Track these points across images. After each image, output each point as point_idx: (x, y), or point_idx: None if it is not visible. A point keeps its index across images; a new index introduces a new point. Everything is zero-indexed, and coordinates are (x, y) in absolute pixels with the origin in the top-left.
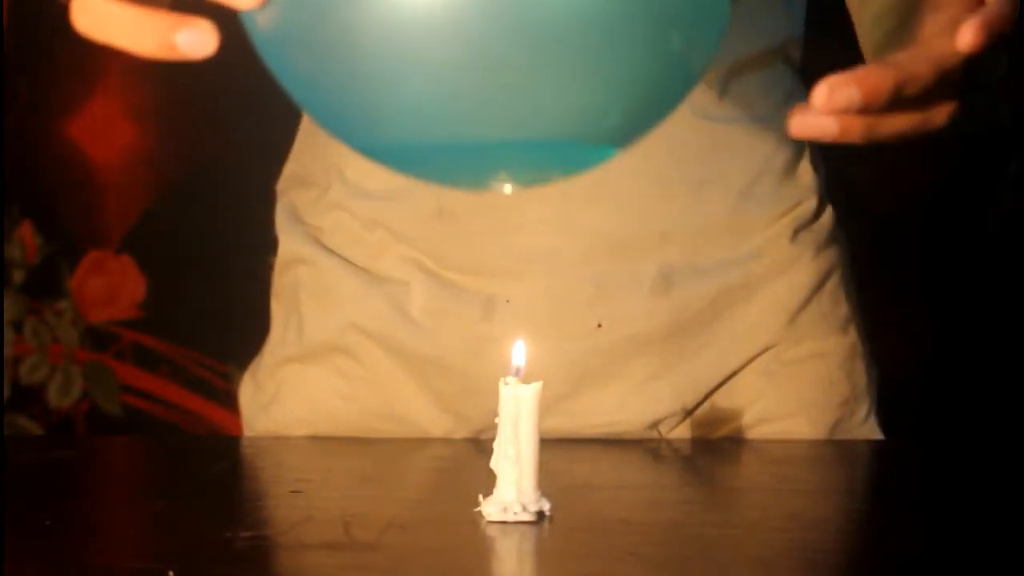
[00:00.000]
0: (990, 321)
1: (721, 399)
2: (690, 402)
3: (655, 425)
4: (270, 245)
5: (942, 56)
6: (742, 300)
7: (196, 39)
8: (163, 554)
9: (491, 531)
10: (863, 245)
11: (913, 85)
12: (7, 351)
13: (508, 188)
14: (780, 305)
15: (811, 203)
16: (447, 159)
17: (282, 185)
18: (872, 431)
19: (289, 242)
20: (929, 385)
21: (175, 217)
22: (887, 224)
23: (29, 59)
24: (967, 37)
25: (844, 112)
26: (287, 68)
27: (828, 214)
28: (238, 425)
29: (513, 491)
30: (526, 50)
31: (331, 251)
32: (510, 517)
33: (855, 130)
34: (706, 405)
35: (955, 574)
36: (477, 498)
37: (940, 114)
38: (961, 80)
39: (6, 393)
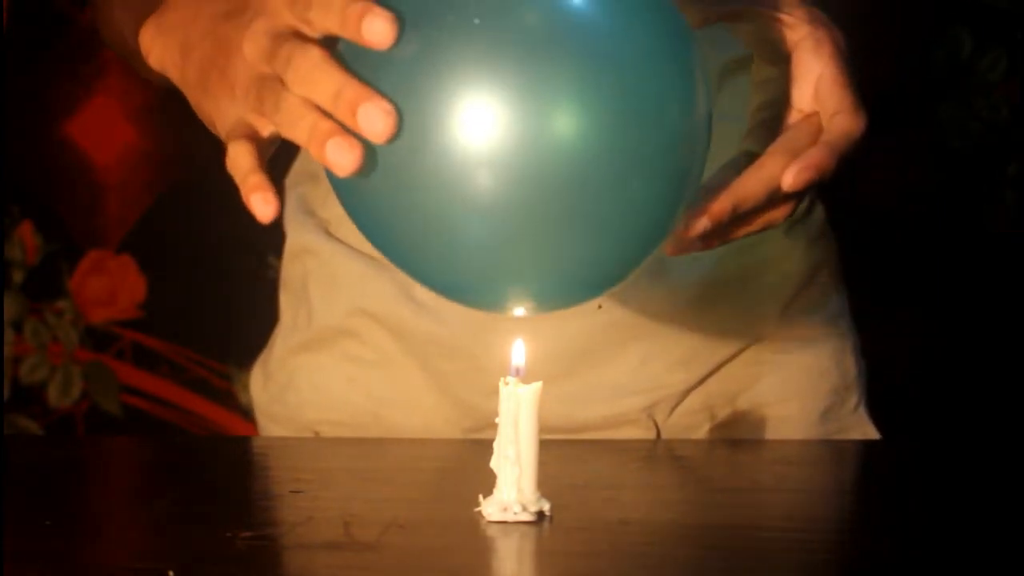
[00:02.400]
0: (988, 321)
1: (715, 385)
2: (685, 385)
3: (650, 409)
4: (270, 244)
5: (771, 179)
6: (737, 288)
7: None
8: (163, 554)
9: (491, 531)
10: (862, 244)
11: (747, 204)
12: (7, 351)
13: (520, 311)
14: (773, 294)
15: (803, 200)
16: (485, 293)
17: (291, 179)
18: (862, 421)
19: (298, 233)
20: (927, 385)
21: (175, 217)
22: (887, 224)
23: (29, 59)
24: (788, 179)
25: (702, 236)
26: (358, 205)
27: (819, 211)
28: (238, 425)
29: (513, 491)
30: (567, 214)
31: (338, 240)
32: (510, 517)
33: (714, 242)
34: (700, 391)
35: (954, 573)
36: (477, 498)
37: (778, 216)
38: (792, 194)
39: (6, 393)
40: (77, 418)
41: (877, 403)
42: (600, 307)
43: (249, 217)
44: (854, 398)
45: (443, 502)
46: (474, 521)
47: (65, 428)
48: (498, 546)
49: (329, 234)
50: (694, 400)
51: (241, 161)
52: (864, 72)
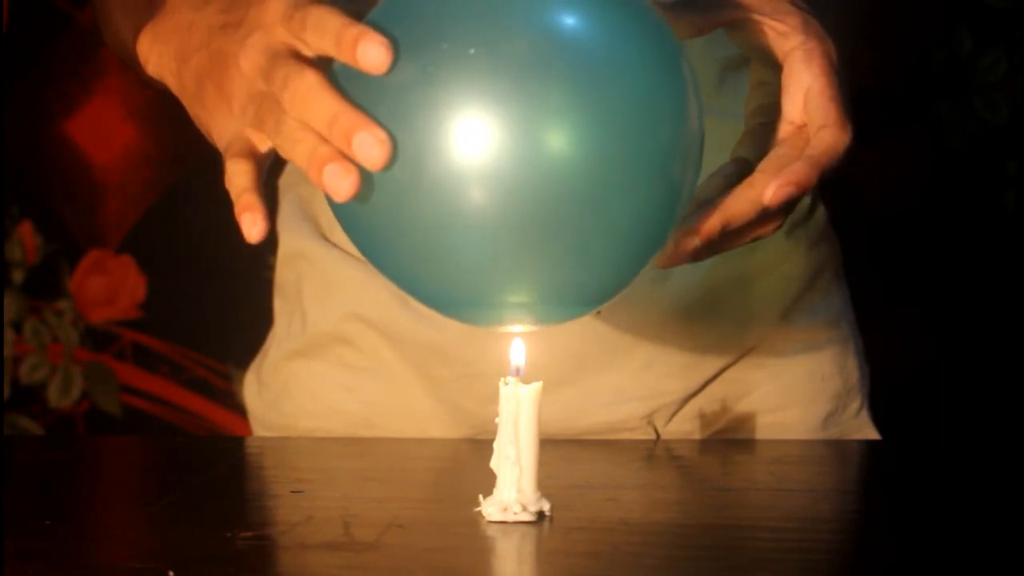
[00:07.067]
0: (988, 321)
1: (716, 391)
2: (686, 392)
3: (651, 416)
4: (269, 244)
5: (758, 200)
6: (738, 291)
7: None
8: (163, 554)
9: (491, 531)
10: (861, 244)
11: (737, 221)
12: (7, 351)
13: (517, 327)
14: (774, 297)
15: (804, 201)
16: (482, 309)
17: (286, 180)
18: (864, 425)
19: (291, 238)
20: (927, 385)
21: (175, 217)
22: (886, 224)
23: (29, 59)
24: (768, 194)
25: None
26: (355, 225)
27: (820, 212)
28: (238, 425)
29: (513, 491)
30: (553, 234)
31: (333, 245)
32: (510, 517)
33: (704, 256)
34: (701, 397)
35: (954, 573)
36: (477, 498)
37: (767, 230)
38: (780, 209)
39: (6, 393)
40: (77, 418)
41: (876, 404)
42: (599, 313)
43: None
44: (856, 402)
45: (443, 502)
46: (474, 521)
47: (65, 428)
48: (498, 546)
49: (323, 238)
50: (694, 407)
51: (238, 180)
52: (864, 72)
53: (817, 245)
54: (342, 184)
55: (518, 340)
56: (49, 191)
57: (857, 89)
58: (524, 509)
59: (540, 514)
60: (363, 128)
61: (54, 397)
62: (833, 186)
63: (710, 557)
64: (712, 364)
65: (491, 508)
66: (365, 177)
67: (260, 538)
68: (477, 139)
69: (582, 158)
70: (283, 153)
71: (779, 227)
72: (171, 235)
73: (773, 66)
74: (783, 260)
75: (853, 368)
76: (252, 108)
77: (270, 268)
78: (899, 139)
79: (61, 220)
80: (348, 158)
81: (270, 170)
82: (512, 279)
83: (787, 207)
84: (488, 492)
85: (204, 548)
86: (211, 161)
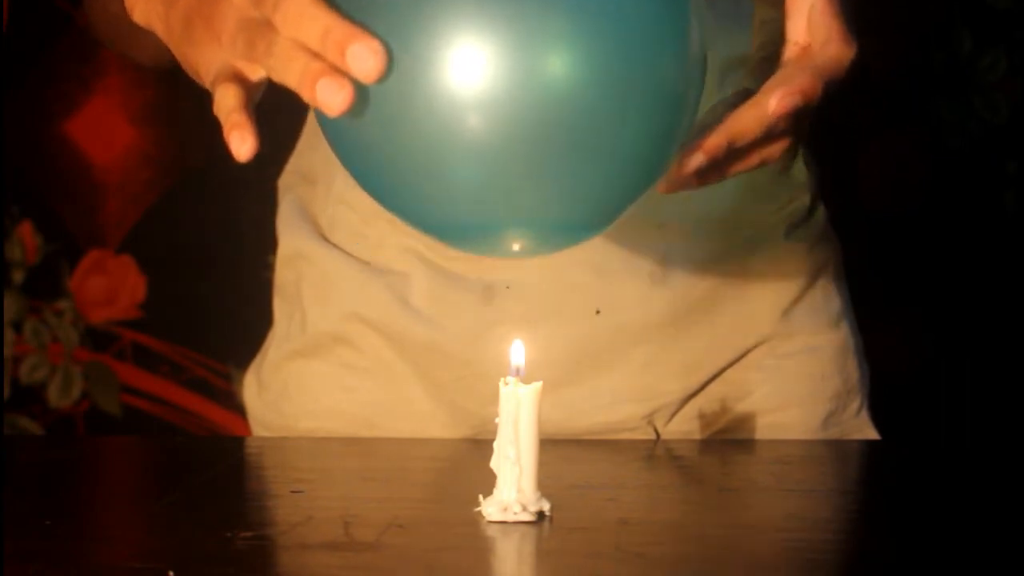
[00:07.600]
0: (988, 321)
1: (715, 392)
2: (686, 393)
3: (651, 416)
4: (270, 244)
5: (763, 115)
6: (737, 292)
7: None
8: (163, 554)
9: (491, 531)
10: (861, 244)
11: (743, 139)
12: (7, 351)
13: (516, 249)
14: (774, 297)
15: (804, 200)
16: (481, 233)
17: (286, 181)
18: (864, 425)
19: (292, 238)
20: (927, 385)
21: (175, 217)
22: (886, 224)
23: (29, 59)
24: (772, 103)
25: (697, 172)
26: (350, 150)
27: (821, 212)
28: (238, 425)
29: (513, 491)
30: (551, 149)
31: (333, 245)
32: (510, 517)
33: (711, 179)
34: (701, 397)
35: (954, 573)
36: (477, 498)
37: (775, 151)
38: (788, 127)
39: (6, 393)
40: (77, 418)
41: (876, 404)
42: (598, 312)
43: (249, 216)
44: (856, 402)
45: (443, 502)
46: (474, 521)
47: (65, 428)
48: (498, 546)
49: (323, 238)
50: (694, 407)
51: (225, 102)
52: (865, 53)
53: (817, 245)
54: (335, 98)
55: (518, 340)
56: (49, 191)
57: (858, 78)
58: (524, 509)
59: (540, 514)
60: (357, 39)
61: (54, 397)
62: (833, 186)
63: (710, 557)
64: (712, 364)
65: (491, 508)
66: (359, 93)
67: (260, 538)
68: (474, 59)
69: (581, 77)
70: (276, 76)
71: (786, 149)
72: (171, 235)
73: (775, 3)
74: (783, 261)
75: (853, 368)
76: (243, 36)
77: (270, 268)
78: (899, 139)
79: (61, 220)
80: (342, 72)
81: (269, 170)
82: (510, 202)
83: (794, 127)
84: (488, 492)
85: (204, 548)
86: (211, 161)
